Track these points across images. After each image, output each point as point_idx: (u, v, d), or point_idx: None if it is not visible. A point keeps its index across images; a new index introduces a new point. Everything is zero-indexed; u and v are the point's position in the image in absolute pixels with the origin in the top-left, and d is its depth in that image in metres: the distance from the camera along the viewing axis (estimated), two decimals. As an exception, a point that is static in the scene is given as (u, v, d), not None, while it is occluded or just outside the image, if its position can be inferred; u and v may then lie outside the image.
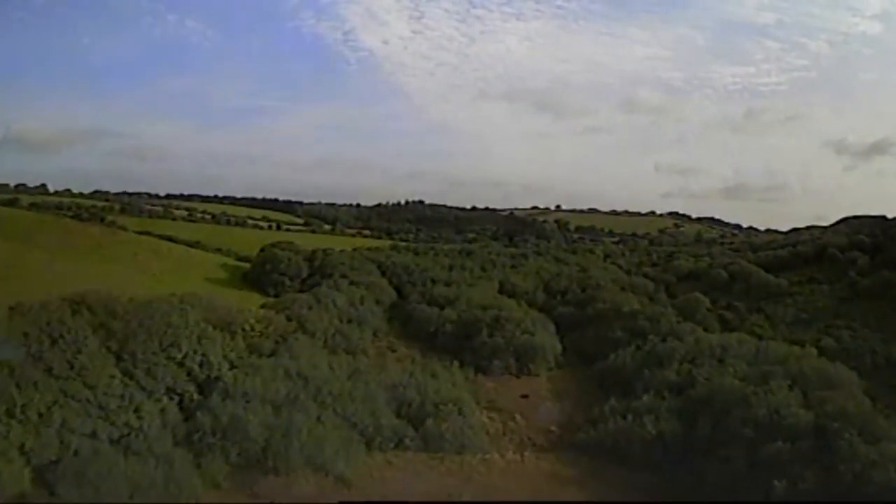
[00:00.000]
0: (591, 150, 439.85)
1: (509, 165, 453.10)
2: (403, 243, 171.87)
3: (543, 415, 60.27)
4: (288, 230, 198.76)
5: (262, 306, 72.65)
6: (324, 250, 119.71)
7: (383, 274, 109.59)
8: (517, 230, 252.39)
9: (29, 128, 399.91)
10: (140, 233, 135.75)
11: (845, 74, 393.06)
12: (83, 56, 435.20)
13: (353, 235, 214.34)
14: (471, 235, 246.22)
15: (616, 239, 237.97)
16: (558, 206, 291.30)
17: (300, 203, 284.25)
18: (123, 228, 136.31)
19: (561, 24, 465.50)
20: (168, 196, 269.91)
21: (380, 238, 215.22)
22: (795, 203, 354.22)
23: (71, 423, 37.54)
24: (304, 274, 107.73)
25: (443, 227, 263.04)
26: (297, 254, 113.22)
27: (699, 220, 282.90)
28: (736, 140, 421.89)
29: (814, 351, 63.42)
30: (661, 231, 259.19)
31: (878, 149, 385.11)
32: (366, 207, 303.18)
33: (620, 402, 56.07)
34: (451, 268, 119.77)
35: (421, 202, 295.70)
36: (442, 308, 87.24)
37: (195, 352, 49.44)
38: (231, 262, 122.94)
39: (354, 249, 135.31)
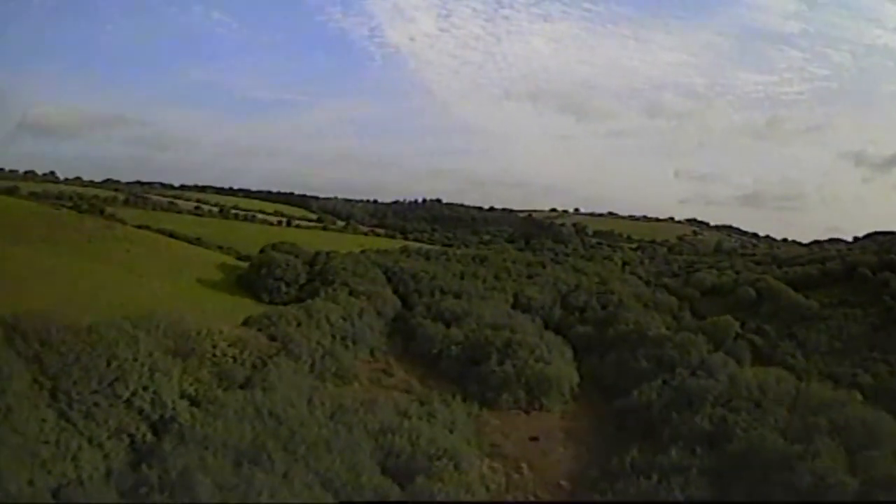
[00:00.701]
0: (613, 153, 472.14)
1: (530, 166, 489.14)
2: (416, 244, 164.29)
3: (554, 465, 53.14)
4: (298, 226, 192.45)
5: (244, 323, 65.68)
6: (327, 253, 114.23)
7: (389, 280, 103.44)
8: (534, 233, 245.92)
9: (47, 113, 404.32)
10: (139, 227, 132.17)
11: (866, 86, 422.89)
12: (106, 43, 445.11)
13: (365, 234, 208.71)
14: (486, 237, 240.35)
15: (634, 245, 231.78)
16: (577, 210, 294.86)
17: (315, 198, 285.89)
18: (122, 222, 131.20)
19: (588, 27, 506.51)
20: (182, 187, 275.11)
21: (393, 237, 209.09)
22: (812, 213, 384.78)
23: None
24: (303, 279, 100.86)
25: (459, 227, 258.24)
26: (297, 257, 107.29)
27: (717, 227, 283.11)
28: (756, 148, 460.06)
29: (857, 395, 57.79)
30: (680, 238, 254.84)
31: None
32: (383, 204, 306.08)
33: (644, 455, 49.06)
34: (462, 275, 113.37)
35: (438, 201, 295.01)
36: (448, 325, 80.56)
37: (146, 388, 42.16)
38: (231, 261, 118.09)
39: (362, 251, 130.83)
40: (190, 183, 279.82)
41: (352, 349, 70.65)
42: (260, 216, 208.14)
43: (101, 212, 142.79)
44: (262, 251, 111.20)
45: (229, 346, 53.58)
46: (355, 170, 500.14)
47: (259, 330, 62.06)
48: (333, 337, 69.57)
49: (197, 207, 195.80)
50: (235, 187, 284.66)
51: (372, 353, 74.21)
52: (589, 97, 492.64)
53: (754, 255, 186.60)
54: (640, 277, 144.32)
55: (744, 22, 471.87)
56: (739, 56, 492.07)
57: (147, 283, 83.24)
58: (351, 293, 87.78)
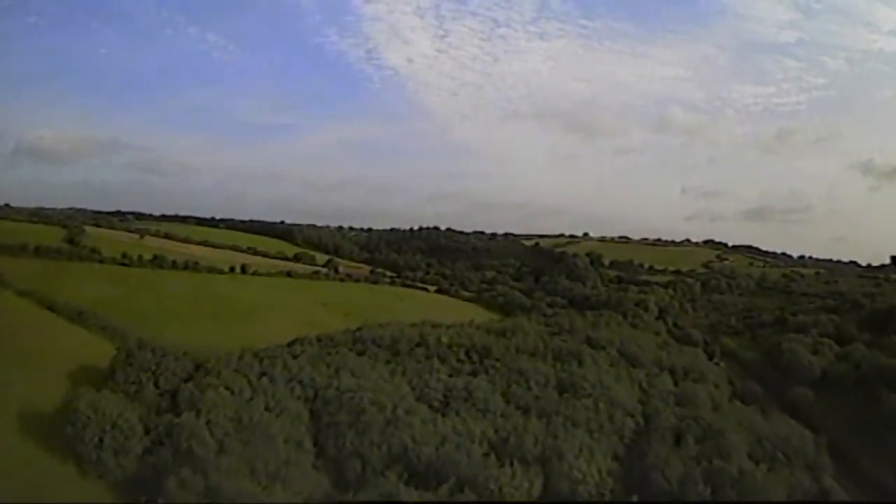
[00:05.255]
0: (620, 171, 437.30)
1: (535, 187, 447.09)
2: (369, 331, 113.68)
3: None
4: (256, 273, 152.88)
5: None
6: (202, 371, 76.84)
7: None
8: (544, 266, 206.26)
9: (43, 137, 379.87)
10: (21, 293, 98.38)
11: (864, 92, 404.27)
12: (101, 66, 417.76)
13: (341, 279, 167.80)
14: (490, 273, 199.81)
15: (660, 279, 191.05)
16: (586, 234, 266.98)
17: (304, 227, 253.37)
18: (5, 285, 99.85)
19: (585, 44, 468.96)
20: (163, 217, 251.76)
21: (375, 282, 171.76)
22: (818, 224, 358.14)
23: None
24: (139, 449, 61.57)
25: (459, 259, 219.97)
26: (139, 403, 68.49)
27: (736, 248, 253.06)
28: (763, 161, 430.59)
29: None
30: (706, 266, 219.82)
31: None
32: (378, 232, 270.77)
33: None
34: (439, 408, 75.93)
35: (437, 228, 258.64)
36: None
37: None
38: (102, 360, 77.38)
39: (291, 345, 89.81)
40: (184, 212, 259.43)
41: None
42: (220, 255, 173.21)
43: None
44: (112, 371, 72.99)
45: None
46: (355, 195, 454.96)
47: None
48: None
49: (123, 256, 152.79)
50: (231, 216, 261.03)
51: None
52: (593, 115, 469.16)
53: (811, 293, 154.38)
54: (692, 343, 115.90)
55: (739, 34, 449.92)
56: (737, 68, 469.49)
57: None
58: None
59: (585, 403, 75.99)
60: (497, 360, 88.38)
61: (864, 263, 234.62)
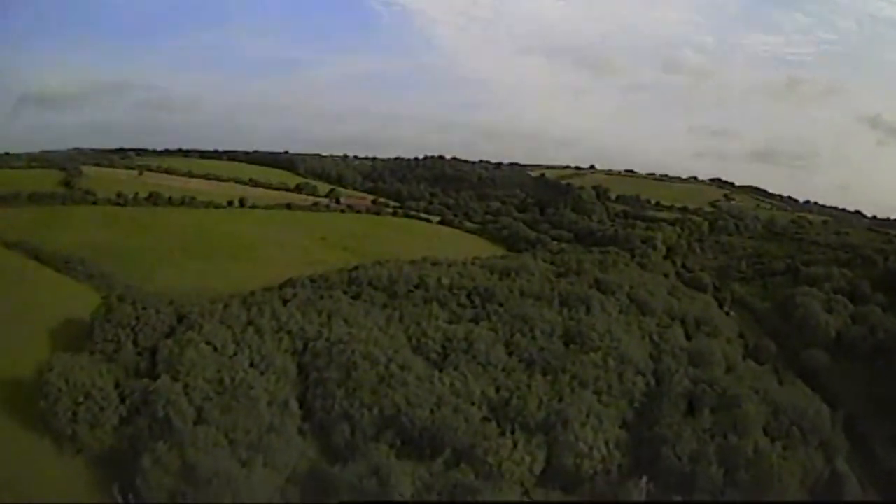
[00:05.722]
0: (628, 108, 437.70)
1: (543, 119, 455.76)
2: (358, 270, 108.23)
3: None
4: (255, 206, 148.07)
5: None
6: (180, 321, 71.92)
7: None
8: (549, 198, 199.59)
9: (50, 84, 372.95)
10: (9, 245, 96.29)
11: (872, 53, 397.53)
12: (106, 11, 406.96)
13: (342, 210, 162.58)
14: (495, 203, 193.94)
15: (667, 215, 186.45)
16: (592, 167, 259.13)
17: (307, 156, 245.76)
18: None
19: None
20: (166, 151, 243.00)
21: (378, 211, 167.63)
22: (824, 171, 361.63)
23: None
24: (115, 420, 57.34)
25: (463, 189, 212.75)
26: (117, 365, 63.64)
27: (742, 188, 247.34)
28: (772, 107, 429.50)
29: None
30: (713, 205, 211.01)
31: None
32: (382, 160, 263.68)
33: None
34: (437, 361, 72.05)
35: (442, 157, 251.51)
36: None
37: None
38: (85, 312, 72.83)
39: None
40: (189, 146, 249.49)
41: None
42: (222, 188, 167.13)
43: None
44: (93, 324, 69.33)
45: None
46: (360, 125, 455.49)
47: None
48: None
49: (118, 196, 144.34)
50: (239, 149, 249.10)
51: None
52: (604, 54, 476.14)
53: (821, 243, 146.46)
54: (702, 288, 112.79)
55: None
56: (748, 16, 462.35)
57: None
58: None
59: (594, 358, 72.65)
60: (500, 304, 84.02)
61: (869, 214, 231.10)
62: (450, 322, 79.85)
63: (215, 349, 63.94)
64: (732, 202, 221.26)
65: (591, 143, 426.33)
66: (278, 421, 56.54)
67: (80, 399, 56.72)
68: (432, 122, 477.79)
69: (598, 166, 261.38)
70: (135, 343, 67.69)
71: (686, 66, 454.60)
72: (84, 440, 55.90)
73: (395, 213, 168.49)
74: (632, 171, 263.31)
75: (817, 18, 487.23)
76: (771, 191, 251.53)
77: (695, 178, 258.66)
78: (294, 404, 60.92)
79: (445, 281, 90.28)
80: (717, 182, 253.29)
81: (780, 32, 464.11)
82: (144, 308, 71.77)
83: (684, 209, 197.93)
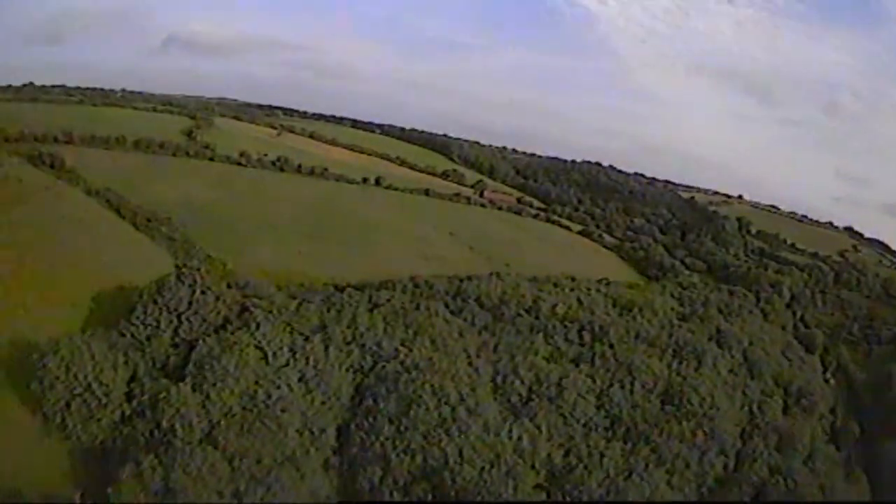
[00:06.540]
0: (783, 141, 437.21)
1: (701, 140, 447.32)
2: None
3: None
4: (390, 187, 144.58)
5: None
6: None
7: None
8: (694, 222, 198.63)
9: (198, 31, 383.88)
10: (91, 192, 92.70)
11: None
12: None
13: (483, 205, 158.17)
14: (638, 220, 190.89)
15: (795, 256, 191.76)
16: (740, 196, 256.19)
17: (463, 142, 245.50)
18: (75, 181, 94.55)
19: (769, 17, 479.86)
20: (317, 116, 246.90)
21: (519, 212, 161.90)
22: None
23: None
24: (116, 416, 55.64)
25: (612, 200, 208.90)
26: (143, 355, 60.97)
27: (870, 241, 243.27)
28: None
29: None
30: (841, 255, 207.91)
31: None
32: (537, 158, 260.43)
33: None
34: (515, 407, 67.32)
35: (598, 164, 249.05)
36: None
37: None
38: (143, 280, 68.02)
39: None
40: (342, 114, 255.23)
41: None
42: (363, 161, 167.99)
43: (52, 165, 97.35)
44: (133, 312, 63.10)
45: None
46: (527, 119, 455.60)
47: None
48: None
49: (242, 153, 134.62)
50: (392, 123, 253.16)
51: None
52: (768, 82, 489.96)
53: None
54: (812, 350, 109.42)
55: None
56: None
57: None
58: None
59: (683, 429, 68.02)
60: (611, 346, 77.54)
61: None
62: (549, 359, 73.67)
63: (264, 356, 58.02)
64: (859, 254, 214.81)
65: (741, 170, 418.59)
66: (302, 451, 51.47)
67: (79, 390, 53.38)
68: (595, 127, 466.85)
69: (745, 195, 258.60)
70: (175, 333, 62.13)
71: (841, 109, 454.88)
72: (74, 430, 52.88)
73: (536, 216, 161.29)
74: (775, 206, 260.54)
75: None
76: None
77: (830, 223, 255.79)
78: (331, 433, 55.79)
79: (560, 309, 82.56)
80: (850, 231, 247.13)
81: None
82: (204, 292, 65.63)
83: (815, 255, 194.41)
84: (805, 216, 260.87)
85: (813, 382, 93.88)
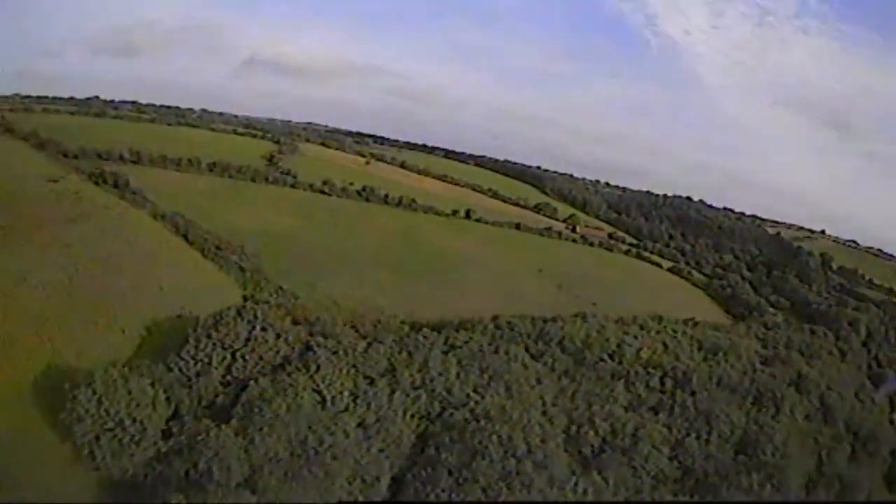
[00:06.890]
0: (863, 174, 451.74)
1: (786, 173, 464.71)
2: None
3: None
4: (479, 220, 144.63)
5: None
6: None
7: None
8: (779, 258, 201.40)
9: (284, 53, 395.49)
10: (158, 216, 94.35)
11: None
12: None
13: (574, 240, 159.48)
14: (727, 257, 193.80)
15: (874, 292, 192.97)
16: (823, 231, 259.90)
17: (556, 175, 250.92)
18: (140, 203, 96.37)
19: (842, 47, 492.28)
20: (408, 145, 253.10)
21: (609, 247, 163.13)
22: None
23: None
24: (151, 452, 55.63)
25: (701, 236, 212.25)
26: (189, 392, 60.66)
27: None
28: None
29: None
30: None
31: None
32: (630, 192, 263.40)
33: None
34: (586, 459, 64.92)
35: (689, 199, 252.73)
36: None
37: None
38: (203, 311, 69.26)
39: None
40: (435, 143, 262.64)
41: None
42: (454, 193, 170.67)
43: (115, 184, 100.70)
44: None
45: None
46: (618, 151, 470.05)
47: None
48: None
49: (325, 181, 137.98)
50: (486, 154, 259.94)
51: None
52: (849, 116, 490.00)
53: None
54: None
55: None
56: None
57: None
58: None
59: (751, 482, 65.95)
60: (692, 393, 75.61)
61: None
62: (627, 407, 71.80)
63: (322, 400, 55.79)
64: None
65: (823, 203, 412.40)
66: (350, 501, 48.58)
67: (109, 425, 52.88)
68: (683, 160, 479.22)
69: (828, 230, 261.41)
70: (228, 371, 61.08)
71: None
72: (104, 462, 52.64)
73: (627, 252, 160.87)
74: (854, 241, 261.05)
75: None
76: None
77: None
78: (385, 483, 53.50)
79: (645, 353, 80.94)
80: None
81: None
82: (264, 328, 64.79)
83: (890, 290, 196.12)
84: (881, 250, 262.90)
85: (880, 429, 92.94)
